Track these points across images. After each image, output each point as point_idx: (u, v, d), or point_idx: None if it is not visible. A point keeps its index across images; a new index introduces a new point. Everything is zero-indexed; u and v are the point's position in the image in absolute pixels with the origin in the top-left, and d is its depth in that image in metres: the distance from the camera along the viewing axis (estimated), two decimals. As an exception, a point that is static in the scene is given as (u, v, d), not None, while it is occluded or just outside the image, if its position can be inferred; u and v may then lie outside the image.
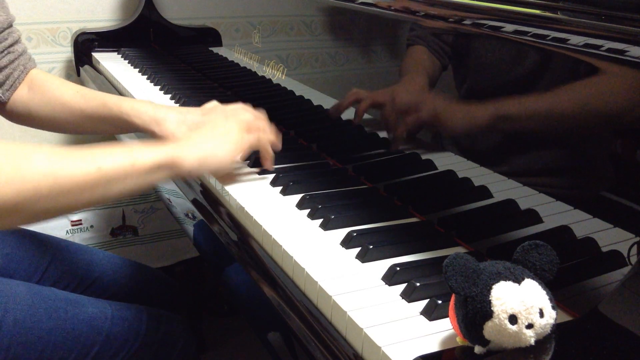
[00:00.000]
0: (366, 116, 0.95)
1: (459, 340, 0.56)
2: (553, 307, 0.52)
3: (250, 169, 0.96)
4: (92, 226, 1.66)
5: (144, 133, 1.02)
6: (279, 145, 0.95)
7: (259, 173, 0.94)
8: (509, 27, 0.69)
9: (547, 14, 0.66)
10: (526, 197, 0.70)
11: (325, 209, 0.81)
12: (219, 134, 0.85)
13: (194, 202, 0.96)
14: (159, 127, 0.98)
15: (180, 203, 1.02)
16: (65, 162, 0.69)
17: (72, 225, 1.63)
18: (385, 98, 0.91)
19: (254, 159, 0.97)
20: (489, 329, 0.51)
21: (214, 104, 0.99)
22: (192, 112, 1.01)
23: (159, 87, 1.41)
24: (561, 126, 0.67)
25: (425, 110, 0.84)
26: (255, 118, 0.93)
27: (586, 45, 0.61)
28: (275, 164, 0.95)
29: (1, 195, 0.63)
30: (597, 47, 0.59)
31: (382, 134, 0.92)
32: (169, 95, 1.35)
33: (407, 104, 0.87)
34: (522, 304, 0.51)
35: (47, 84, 1.04)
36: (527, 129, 0.71)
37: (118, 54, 1.75)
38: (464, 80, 0.78)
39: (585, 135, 0.65)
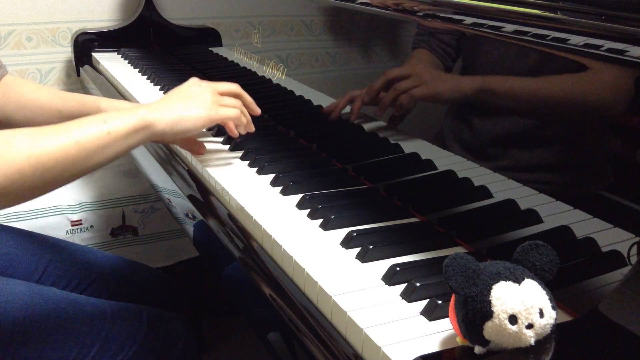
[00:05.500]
0: (366, 116, 0.95)
1: (459, 340, 0.56)
2: (553, 307, 0.52)
3: (250, 169, 0.96)
4: (92, 226, 1.65)
5: None
6: (257, 111, 0.99)
7: (259, 172, 0.94)
8: (509, 27, 0.69)
9: (547, 14, 0.66)
10: (526, 197, 0.70)
11: (325, 209, 0.81)
12: (192, 98, 0.87)
13: (194, 201, 0.96)
14: None
15: (180, 203, 1.02)
16: (44, 141, 0.72)
17: (72, 226, 1.62)
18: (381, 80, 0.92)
19: (253, 159, 0.97)
20: (489, 329, 0.51)
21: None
22: None
23: (159, 87, 1.41)
24: (561, 126, 0.67)
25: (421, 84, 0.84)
26: (230, 89, 0.96)
27: (586, 45, 0.61)
28: (275, 164, 0.95)
29: None
30: (597, 47, 0.59)
31: (383, 134, 0.91)
32: (169, 95, 1.35)
33: (402, 76, 0.87)
34: (522, 304, 0.51)
35: (22, 88, 1.04)
36: (527, 128, 0.71)
37: (118, 54, 1.75)
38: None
39: (585, 135, 0.65)
